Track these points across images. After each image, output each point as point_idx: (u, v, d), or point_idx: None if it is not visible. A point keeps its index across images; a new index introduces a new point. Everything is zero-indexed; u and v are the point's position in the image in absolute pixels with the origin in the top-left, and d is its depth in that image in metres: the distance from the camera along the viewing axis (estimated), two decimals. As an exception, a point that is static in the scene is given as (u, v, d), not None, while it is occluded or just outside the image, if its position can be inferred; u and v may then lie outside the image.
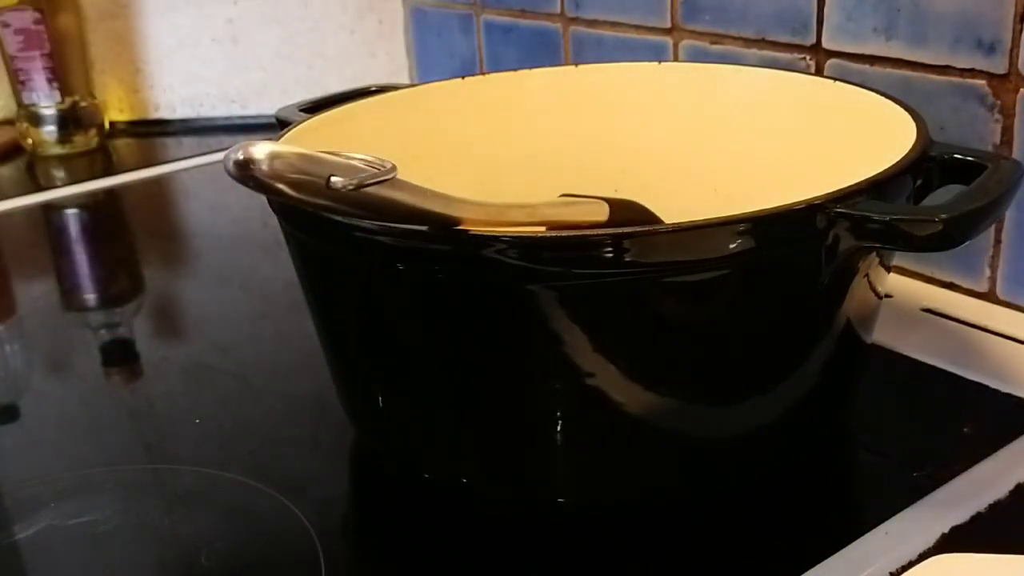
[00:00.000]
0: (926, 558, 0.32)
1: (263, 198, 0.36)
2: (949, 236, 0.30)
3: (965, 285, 0.50)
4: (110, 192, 0.78)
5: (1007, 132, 0.46)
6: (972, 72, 0.47)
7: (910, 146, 0.35)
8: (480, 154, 0.49)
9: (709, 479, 0.36)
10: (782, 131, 0.45)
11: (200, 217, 0.75)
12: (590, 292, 0.31)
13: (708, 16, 0.59)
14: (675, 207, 0.48)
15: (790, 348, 0.34)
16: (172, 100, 0.93)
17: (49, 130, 0.85)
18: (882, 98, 0.40)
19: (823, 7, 0.52)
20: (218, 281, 0.63)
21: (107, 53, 0.91)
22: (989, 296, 0.49)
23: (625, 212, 0.39)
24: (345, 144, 0.45)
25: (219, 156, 0.82)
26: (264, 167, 0.25)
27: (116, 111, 0.93)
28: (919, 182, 0.35)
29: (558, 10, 0.69)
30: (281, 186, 0.26)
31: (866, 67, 0.51)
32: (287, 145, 0.27)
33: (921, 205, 0.35)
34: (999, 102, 0.46)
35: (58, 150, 0.86)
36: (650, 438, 0.34)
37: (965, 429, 0.41)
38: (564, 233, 0.30)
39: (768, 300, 0.33)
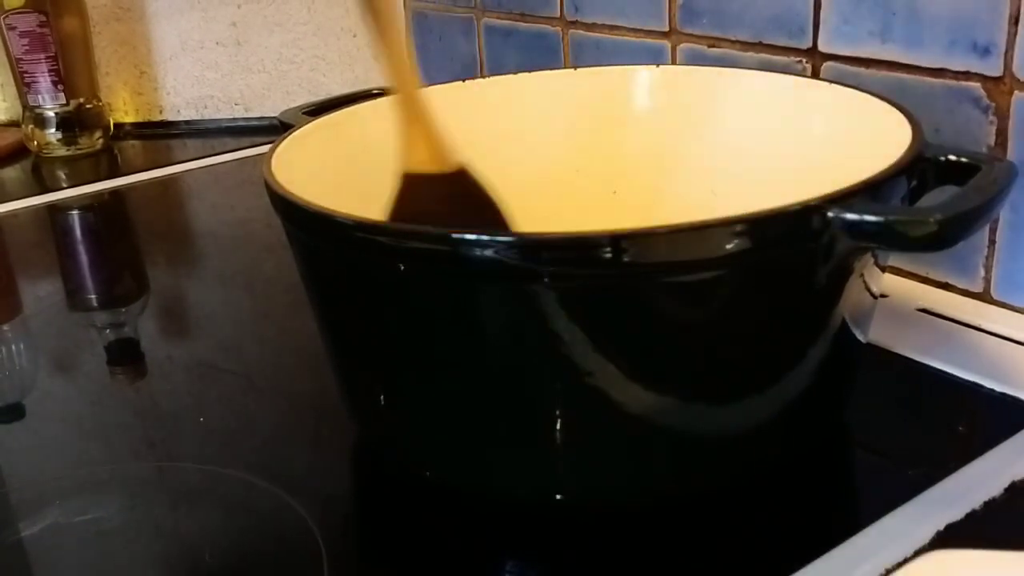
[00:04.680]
0: (921, 555, 0.32)
1: (267, 199, 0.37)
2: (944, 237, 0.30)
3: (960, 285, 0.51)
4: (115, 193, 0.79)
5: (1001, 134, 0.47)
6: (967, 75, 0.47)
7: (905, 148, 0.35)
8: (480, 156, 0.49)
9: (706, 478, 0.36)
10: (779, 133, 0.45)
11: (204, 218, 0.76)
12: (589, 292, 0.31)
13: (706, 19, 0.59)
14: (673, 208, 0.49)
15: (786, 348, 0.35)
16: (176, 102, 0.93)
17: (54, 132, 0.86)
18: (878, 100, 0.41)
19: (819, 10, 0.53)
20: (222, 281, 0.63)
21: (112, 56, 0.92)
22: (984, 296, 0.50)
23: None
24: (348, 146, 0.46)
25: (223, 158, 0.83)
26: None
27: (121, 113, 0.93)
28: (914, 183, 0.35)
29: (557, 14, 0.69)
30: None
31: (862, 70, 0.52)
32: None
33: (916, 206, 0.35)
34: (994, 104, 0.47)
35: (63, 152, 0.86)
36: (649, 437, 0.34)
37: (960, 428, 0.41)
38: (564, 233, 0.30)
39: (764, 300, 0.33)
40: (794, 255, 0.32)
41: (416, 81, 0.40)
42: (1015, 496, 0.35)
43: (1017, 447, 0.38)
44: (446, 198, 0.40)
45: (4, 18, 0.83)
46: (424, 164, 0.40)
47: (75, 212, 0.77)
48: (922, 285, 0.52)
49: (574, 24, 0.68)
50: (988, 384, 0.42)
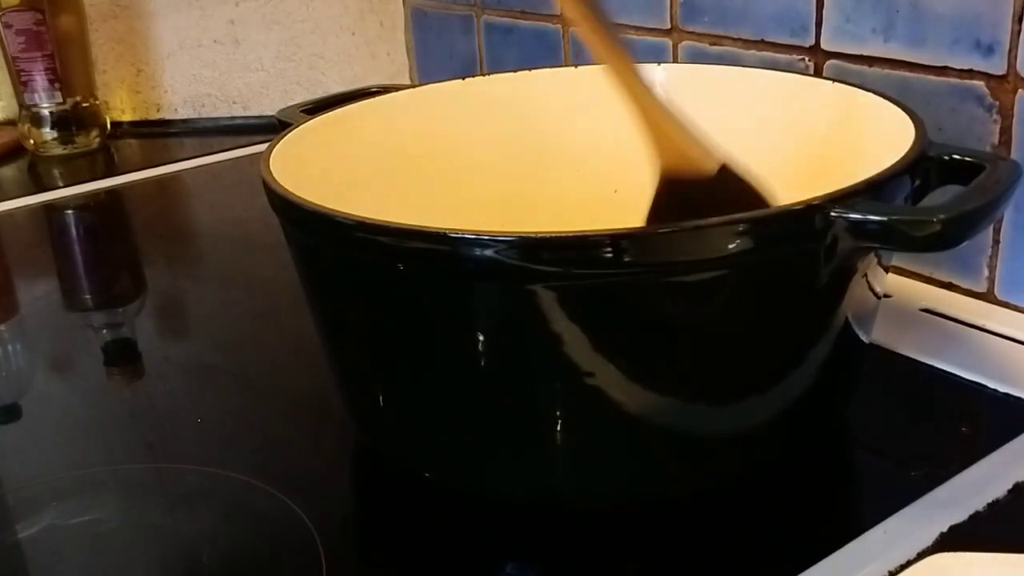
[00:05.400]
0: (924, 557, 0.32)
1: (265, 198, 0.37)
2: (947, 236, 0.30)
3: (963, 285, 0.50)
4: (112, 192, 0.79)
5: (1005, 133, 0.47)
6: (970, 73, 0.47)
7: (908, 147, 0.35)
8: (480, 155, 0.49)
9: (706, 478, 0.36)
10: (781, 132, 0.45)
11: (202, 217, 0.76)
12: (590, 292, 0.31)
13: (707, 17, 0.59)
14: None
15: (789, 348, 0.35)
16: (174, 101, 0.93)
17: (50, 131, 0.86)
18: (880, 99, 0.40)
19: (822, 8, 0.53)
20: (219, 281, 0.63)
21: (109, 54, 0.92)
22: (987, 296, 0.50)
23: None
24: (347, 145, 0.45)
25: (220, 157, 0.83)
26: None
27: (118, 112, 0.93)
28: (917, 182, 0.35)
29: (558, 11, 0.69)
30: None
31: (865, 68, 0.51)
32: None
33: (919, 205, 0.35)
34: (997, 103, 0.47)
35: (60, 151, 0.86)
36: (649, 437, 0.34)
37: (963, 428, 0.41)
38: (564, 233, 0.30)
39: (767, 300, 0.33)
40: (796, 255, 0.32)
41: (648, 89, 0.36)
42: (1019, 497, 0.35)
43: (1021, 448, 0.38)
44: (707, 196, 0.36)
45: (0, 16, 0.83)
46: (680, 166, 0.37)
47: (72, 211, 0.77)
48: (926, 285, 0.52)
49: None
50: (992, 385, 0.42)
